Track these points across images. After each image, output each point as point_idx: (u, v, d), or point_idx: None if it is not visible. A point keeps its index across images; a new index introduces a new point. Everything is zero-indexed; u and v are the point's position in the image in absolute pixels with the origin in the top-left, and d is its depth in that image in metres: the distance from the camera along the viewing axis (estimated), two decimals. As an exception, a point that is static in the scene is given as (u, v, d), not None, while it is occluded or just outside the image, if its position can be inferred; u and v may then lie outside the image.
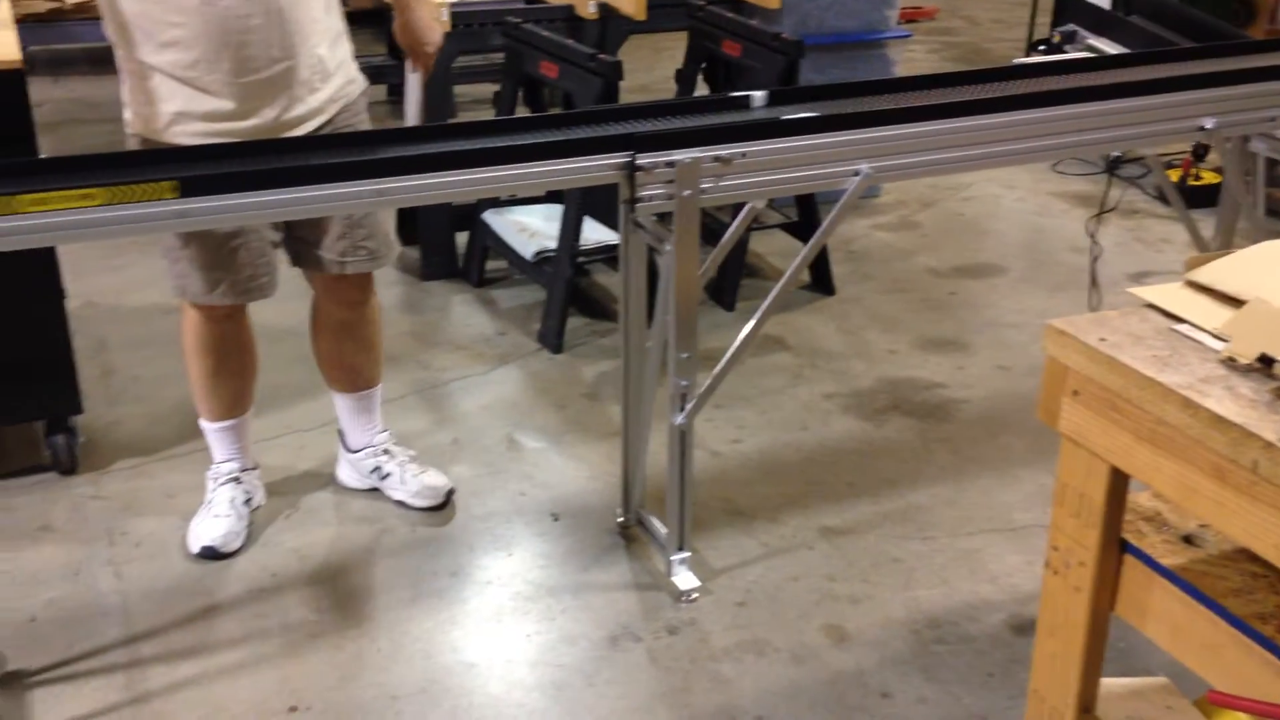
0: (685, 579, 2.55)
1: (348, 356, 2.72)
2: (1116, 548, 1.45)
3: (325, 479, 2.92)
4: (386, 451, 2.83)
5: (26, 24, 5.74)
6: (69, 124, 5.49)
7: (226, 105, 2.29)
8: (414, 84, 2.76)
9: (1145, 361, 1.31)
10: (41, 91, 5.85)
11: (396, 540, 2.71)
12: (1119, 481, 1.42)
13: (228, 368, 2.62)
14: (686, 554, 2.57)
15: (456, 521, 2.78)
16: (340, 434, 2.87)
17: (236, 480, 2.71)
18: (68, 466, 2.91)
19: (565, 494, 2.89)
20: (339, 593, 2.54)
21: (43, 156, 2.14)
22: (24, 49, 2.73)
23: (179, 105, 2.28)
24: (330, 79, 2.41)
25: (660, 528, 2.62)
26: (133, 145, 2.36)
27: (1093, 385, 1.37)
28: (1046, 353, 1.44)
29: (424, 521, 2.77)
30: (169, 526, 2.73)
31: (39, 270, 2.73)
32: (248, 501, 2.73)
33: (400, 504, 2.81)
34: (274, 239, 2.51)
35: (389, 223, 2.60)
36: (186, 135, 2.30)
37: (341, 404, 2.82)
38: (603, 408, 3.27)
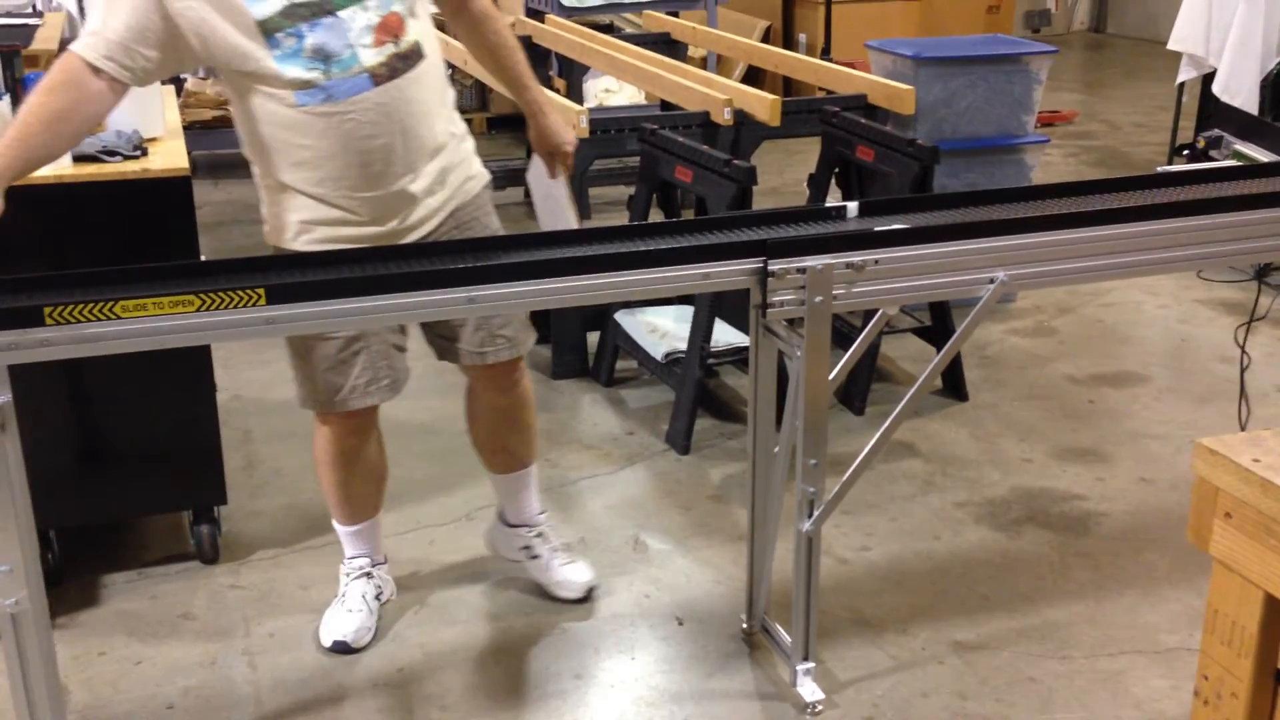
0: (810, 690, 2.49)
1: (503, 439, 2.77)
2: (1271, 679, 1.38)
3: (454, 575, 2.95)
4: (541, 534, 2.86)
5: (192, 130, 6.07)
6: (226, 225, 5.77)
7: (350, 216, 2.36)
8: (559, 190, 2.76)
9: (1302, 485, 1.25)
10: (202, 194, 6.17)
11: (522, 639, 2.72)
12: (1275, 609, 1.35)
13: (357, 478, 2.67)
14: (812, 664, 2.51)
15: (581, 622, 2.78)
16: (499, 509, 2.92)
17: (368, 575, 2.76)
18: (210, 556, 3.01)
19: (690, 598, 2.87)
20: (463, 691, 2.55)
21: (137, 264, 2.11)
22: (189, 154, 2.89)
23: (305, 215, 2.37)
24: (448, 182, 2.46)
25: (785, 636, 2.57)
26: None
27: (1246, 508, 1.31)
28: (1196, 472, 1.39)
29: (549, 621, 2.78)
30: (302, 618, 2.79)
31: (193, 364, 2.86)
32: (378, 596, 2.77)
33: (541, 588, 2.84)
34: (397, 342, 2.54)
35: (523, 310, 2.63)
36: (313, 242, 2.37)
37: (498, 484, 2.87)
38: (729, 511, 3.24)
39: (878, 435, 2.43)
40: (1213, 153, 4.88)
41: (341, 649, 2.66)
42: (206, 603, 2.86)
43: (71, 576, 2.93)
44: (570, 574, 2.84)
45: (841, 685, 2.54)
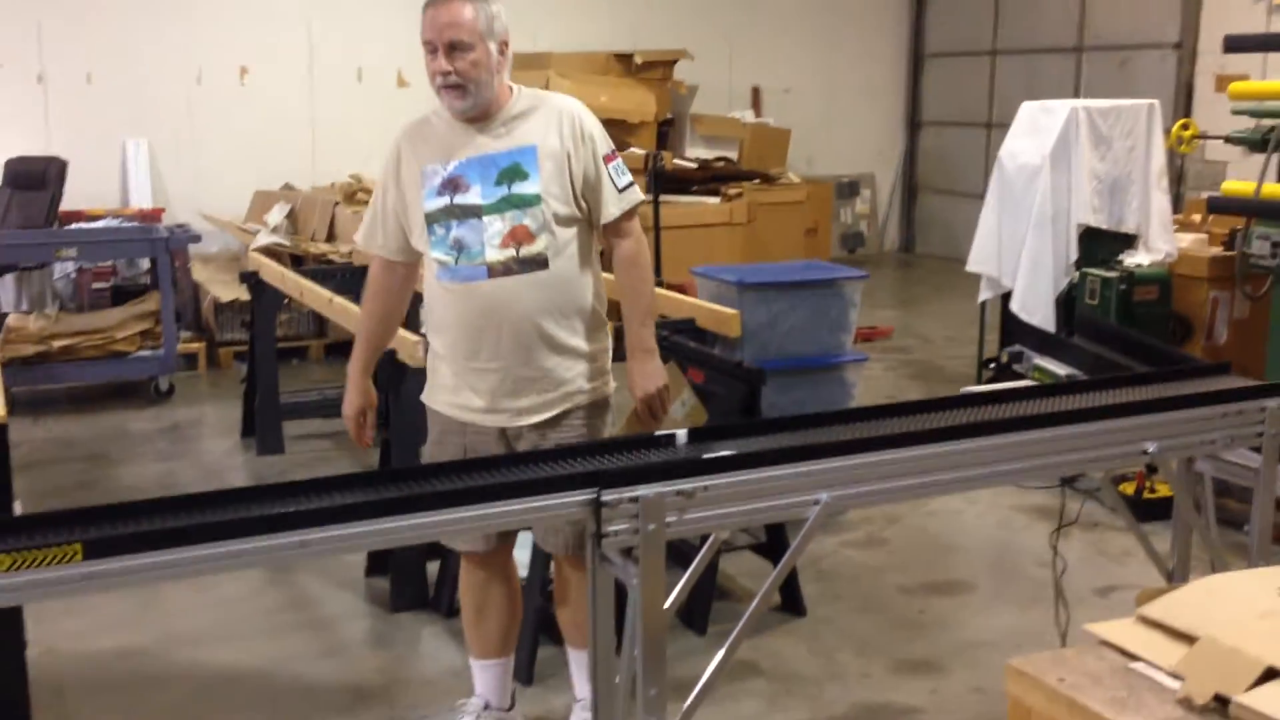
0: None
1: (492, 617, 3.07)
2: None
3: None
4: None
5: (10, 366, 5.89)
6: (45, 464, 5.55)
7: (459, 383, 2.85)
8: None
9: (1105, 703, 1.32)
10: (20, 432, 5.93)
11: None
12: (1094, 826, 1.39)
13: (480, 615, 3.06)
14: None
15: None
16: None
17: (477, 714, 3.07)
18: (13, 829, 2.78)
19: (536, 841, 2.77)
20: None
21: None
22: (6, 390, 2.81)
23: (436, 379, 2.91)
24: (554, 389, 2.84)
25: None
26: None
27: (1056, 727, 1.37)
28: (1009, 693, 1.45)
29: None
30: None
31: (0, 620, 2.70)
32: None
33: None
34: None
35: None
36: (439, 404, 2.91)
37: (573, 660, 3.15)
38: (575, 744, 3.18)
39: (718, 659, 2.44)
40: (1015, 366, 5.19)
41: None
42: None
43: None
44: None
45: None
